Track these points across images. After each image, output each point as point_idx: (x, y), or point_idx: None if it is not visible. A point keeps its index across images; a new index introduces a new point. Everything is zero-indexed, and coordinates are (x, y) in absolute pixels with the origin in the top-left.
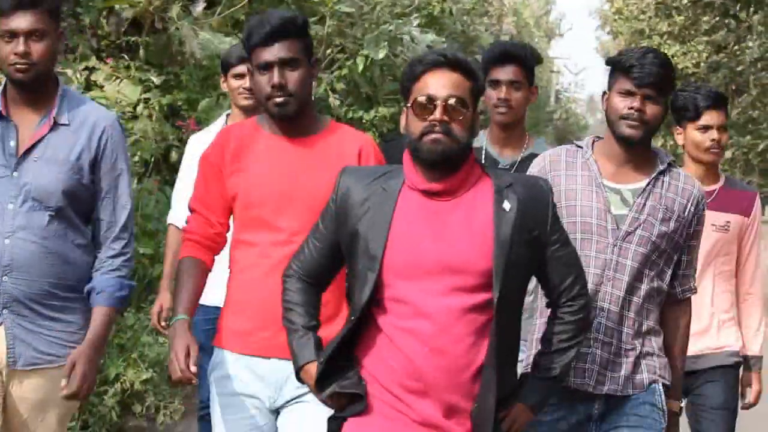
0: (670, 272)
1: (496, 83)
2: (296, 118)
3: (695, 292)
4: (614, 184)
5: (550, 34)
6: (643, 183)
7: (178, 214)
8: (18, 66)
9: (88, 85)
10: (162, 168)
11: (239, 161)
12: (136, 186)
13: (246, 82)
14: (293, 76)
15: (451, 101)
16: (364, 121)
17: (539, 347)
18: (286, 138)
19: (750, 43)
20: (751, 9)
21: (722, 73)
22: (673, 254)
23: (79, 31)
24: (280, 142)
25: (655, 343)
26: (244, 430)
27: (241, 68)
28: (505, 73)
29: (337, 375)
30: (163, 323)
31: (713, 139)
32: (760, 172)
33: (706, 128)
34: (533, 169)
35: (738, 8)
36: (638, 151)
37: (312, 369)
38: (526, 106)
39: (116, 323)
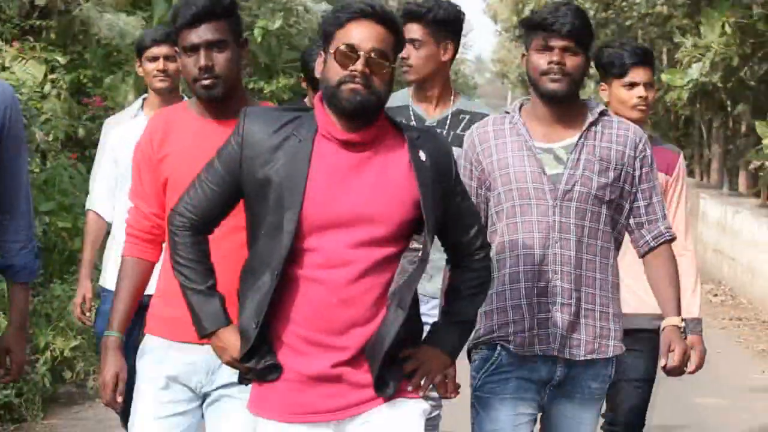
0: (624, 222)
1: None
2: (225, 100)
3: (673, 237)
4: (546, 144)
5: None
6: (575, 138)
7: (95, 200)
8: None
9: None
10: (71, 144)
11: (168, 145)
12: (52, 162)
13: (160, 65)
14: (220, 58)
15: (374, 54)
16: (264, 92)
17: (444, 299)
18: (215, 120)
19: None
20: None
21: (611, 30)
22: (624, 203)
23: None
24: (208, 125)
25: (618, 300)
26: (167, 412)
27: (155, 50)
28: (405, 31)
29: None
30: (87, 313)
31: (640, 96)
32: (653, 126)
33: (632, 85)
34: (464, 146)
35: None
36: (566, 107)
37: (226, 335)
38: (435, 62)
39: (43, 294)
